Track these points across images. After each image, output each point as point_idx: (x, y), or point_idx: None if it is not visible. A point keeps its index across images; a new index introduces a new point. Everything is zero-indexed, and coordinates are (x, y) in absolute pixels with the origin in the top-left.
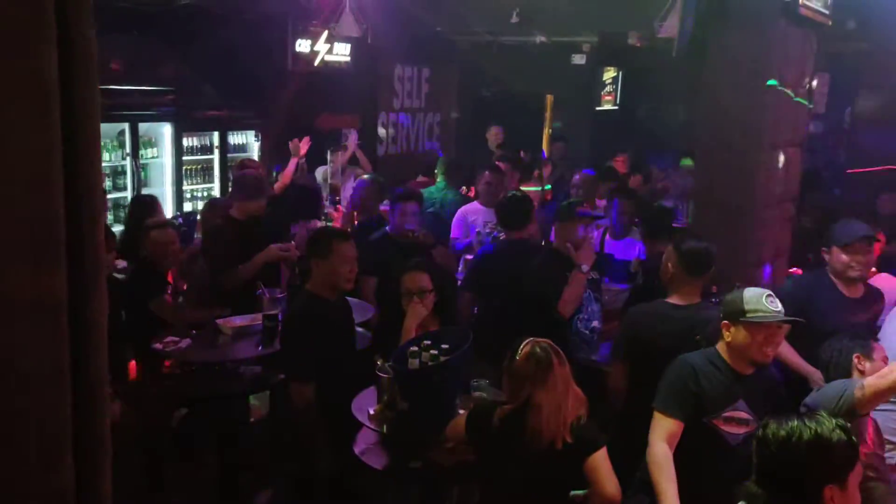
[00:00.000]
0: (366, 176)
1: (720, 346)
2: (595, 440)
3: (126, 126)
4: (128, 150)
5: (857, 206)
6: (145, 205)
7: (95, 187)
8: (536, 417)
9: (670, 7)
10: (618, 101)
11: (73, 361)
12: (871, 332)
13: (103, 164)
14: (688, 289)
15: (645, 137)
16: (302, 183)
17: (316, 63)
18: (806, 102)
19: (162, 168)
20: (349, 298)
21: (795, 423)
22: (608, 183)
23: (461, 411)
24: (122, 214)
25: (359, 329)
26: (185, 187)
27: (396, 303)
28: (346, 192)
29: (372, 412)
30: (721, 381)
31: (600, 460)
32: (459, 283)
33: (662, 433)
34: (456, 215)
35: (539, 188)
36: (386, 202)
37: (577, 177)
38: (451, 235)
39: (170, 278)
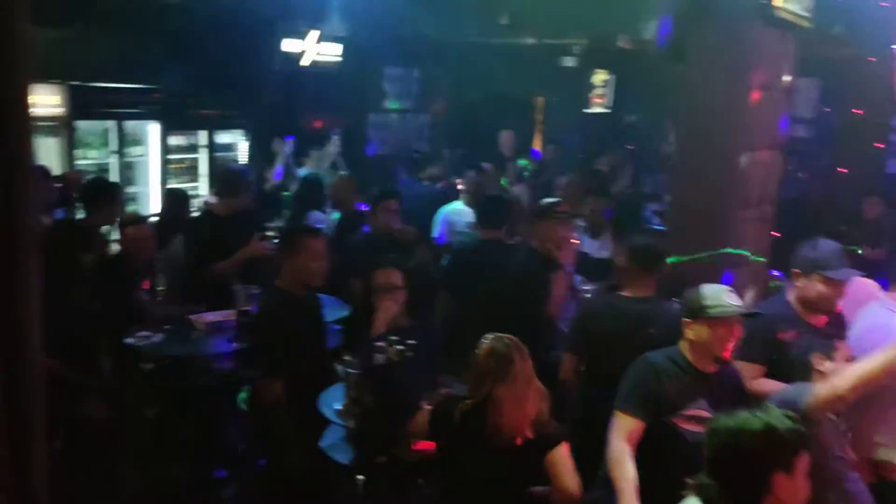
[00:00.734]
0: (341, 172)
1: (682, 345)
2: (556, 435)
3: (112, 124)
4: (113, 147)
5: (843, 210)
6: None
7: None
8: (496, 412)
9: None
10: (610, 104)
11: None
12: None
13: (89, 161)
14: (640, 283)
15: (637, 140)
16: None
17: (304, 63)
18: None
19: (147, 166)
20: (326, 296)
21: (745, 414)
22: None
23: (427, 407)
24: None
25: (335, 326)
26: (170, 186)
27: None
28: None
29: (339, 408)
30: (683, 379)
31: (561, 456)
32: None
33: (623, 432)
34: (439, 214)
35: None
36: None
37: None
38: (434, 235)
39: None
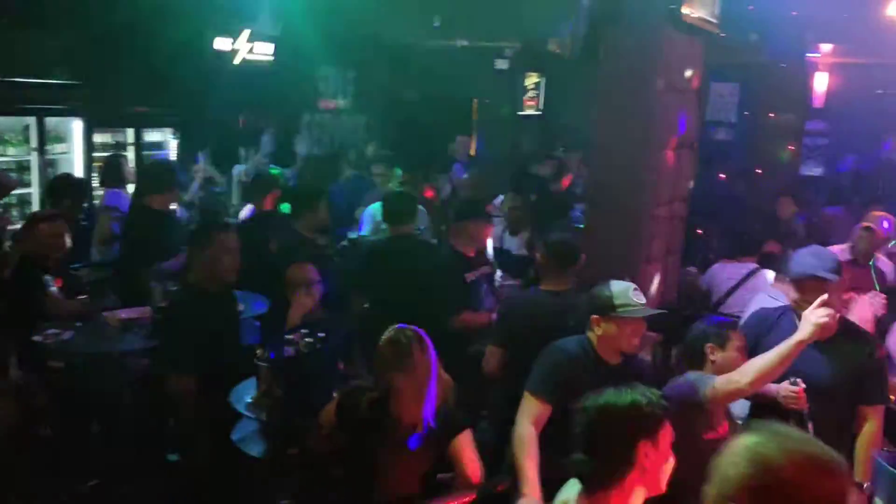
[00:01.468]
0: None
1: (591, 336)
2: (459, 423)
3: (32, 120)
4: (34, 144)
5: (759, 209)
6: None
7: None
8: (397, 402)
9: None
10: (541, 106)
11: None
12: None
13: (8, 159)
14: (558, 277)
15: (570, 141)
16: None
17: (236, 61)
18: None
19: (71, 164)
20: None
21: (612, 392)
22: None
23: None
24: (27, 211)
25: (257, 323)
26: (95, 184)
27: None
28: None
29: (250, 400)
30: (590, 368)
31: (464, 442)
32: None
33: (530, 415)
34: (365, 211)
35: None
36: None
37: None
38: (360, 231)
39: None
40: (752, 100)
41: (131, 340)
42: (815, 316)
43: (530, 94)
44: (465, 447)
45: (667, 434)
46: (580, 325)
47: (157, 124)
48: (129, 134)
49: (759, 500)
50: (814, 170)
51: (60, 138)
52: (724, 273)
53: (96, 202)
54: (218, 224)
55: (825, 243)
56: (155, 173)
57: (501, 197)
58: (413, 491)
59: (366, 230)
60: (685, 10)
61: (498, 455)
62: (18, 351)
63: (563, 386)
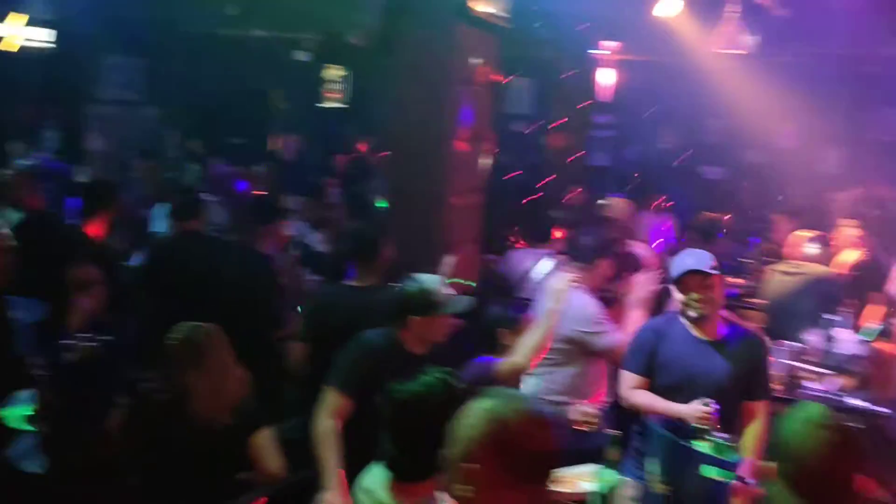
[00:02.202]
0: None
1: (398, 329)
2: (258, 420)
3: None
4: None
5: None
6: None
7: None
8: (193, 401)
9: None
10: (347, 99)
11: None
12: None
13: None
14: (361, 272)
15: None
16: None
17: (6, 48)
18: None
19: None
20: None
21: (417, 381)
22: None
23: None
24: None
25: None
26: None
27: None
28: None
29: (30, 413)
30: (396, 360)
31: (263, 439)
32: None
33: (331, 409)
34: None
35: None
36: None
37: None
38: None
39: None
40: (547, 94)
41: None
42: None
43: (333, 86)
44: (266, 443)
45: None
46: (385, 319)
47: None
48: None
49: (496, 454)
50: (601, 159)
51: None
52: (520, 259)
53: None
54: None
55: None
56: None
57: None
58: (212, 490)
59: (158, 227)
60: (474, 4)
61: (302, 450)
62: None
63: (366, 379)
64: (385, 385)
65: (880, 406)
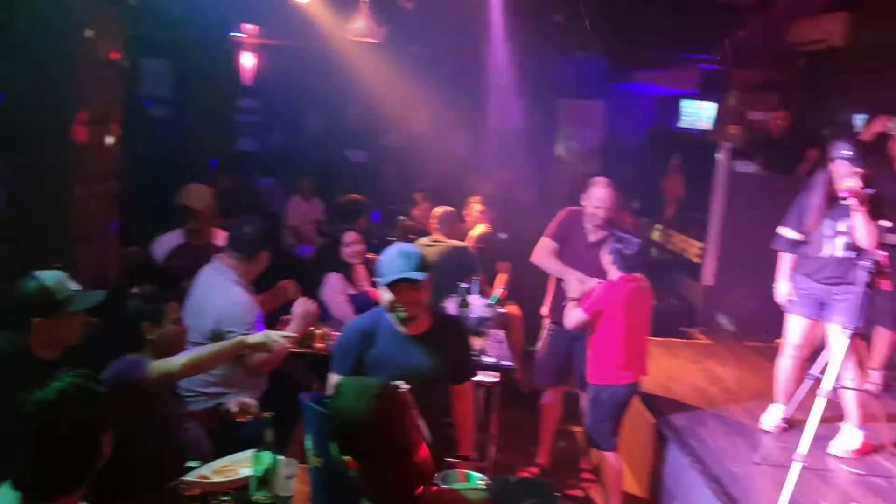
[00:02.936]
0: None
1: (23, 333)
2: None
3: None
4: None
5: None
6: None
7: None
8: None
9: None
10: None
11: None
12: None
13: None
14: None
15: None
16: None
17: None
18: None
19: None
20: None
21: (47, 390)
22: None
23: None
24: None
25: None
26: None
27: None
28: None
29: None
30: (23, 368)
31: None
32: None
33: None
34: None
35: None
36: None
37: None
38: None
39: None
40: (186, 76)
41: None
42: None
43: None
44: None
45: None
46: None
47: None
48: None
49: None
50: (248, 145)
51: None
52: (160, 246)
53: None
54: None
55: (266, 213)
56: None
57: None
58: None
59: None
60: None
61: None
62: None
63: None
64: (13, 397)
65: (509, 362)
